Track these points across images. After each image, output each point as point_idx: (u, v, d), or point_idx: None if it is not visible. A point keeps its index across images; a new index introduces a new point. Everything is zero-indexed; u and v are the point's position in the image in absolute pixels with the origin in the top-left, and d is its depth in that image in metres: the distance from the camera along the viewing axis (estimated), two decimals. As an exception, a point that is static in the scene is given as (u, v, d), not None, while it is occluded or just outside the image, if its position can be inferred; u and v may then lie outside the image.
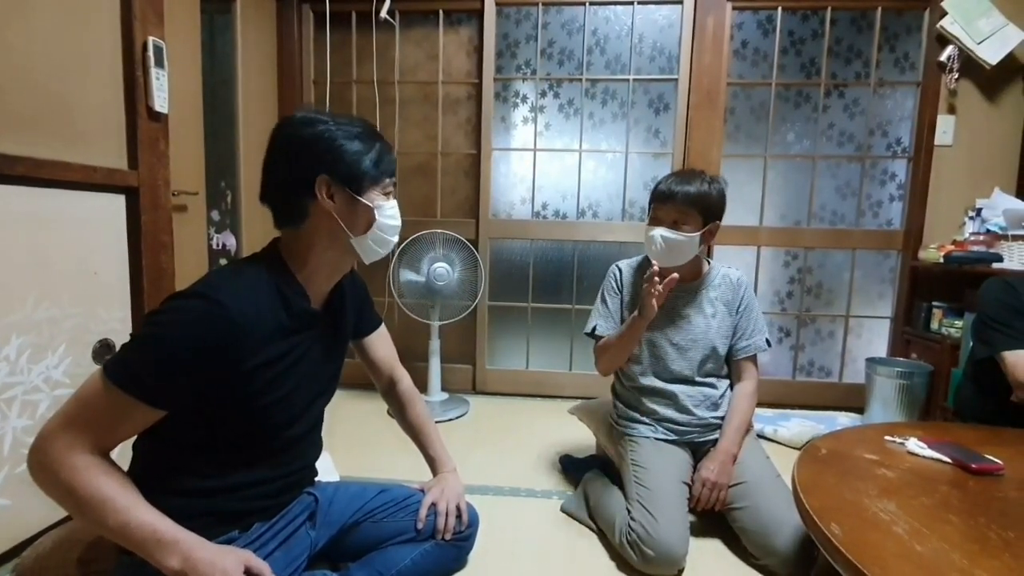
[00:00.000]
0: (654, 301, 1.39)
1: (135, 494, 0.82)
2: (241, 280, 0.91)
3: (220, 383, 0.86)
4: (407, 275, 2.44)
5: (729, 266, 1.62)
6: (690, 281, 1.57)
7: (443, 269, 2.41)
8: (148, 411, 0.83)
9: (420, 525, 1.16)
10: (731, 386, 1.61)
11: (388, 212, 1.00)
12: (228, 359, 0.85)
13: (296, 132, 0.94)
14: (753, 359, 1.58)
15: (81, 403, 0.81)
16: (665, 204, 1.46)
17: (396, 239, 1.04)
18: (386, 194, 1.00)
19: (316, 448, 1.14)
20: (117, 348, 1.48)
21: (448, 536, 1.17)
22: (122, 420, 0.82)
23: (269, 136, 0.97)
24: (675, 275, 1.37)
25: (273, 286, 0.93)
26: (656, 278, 1.37)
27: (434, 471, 1.30)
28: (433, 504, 1.19)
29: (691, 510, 1.44)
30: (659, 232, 1.46)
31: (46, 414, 1.33)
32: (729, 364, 1.61)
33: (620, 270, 1.66)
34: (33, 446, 0.80)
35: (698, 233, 1.46)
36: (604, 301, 1.65)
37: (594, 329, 1.63)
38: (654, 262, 1.53)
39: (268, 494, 1.01)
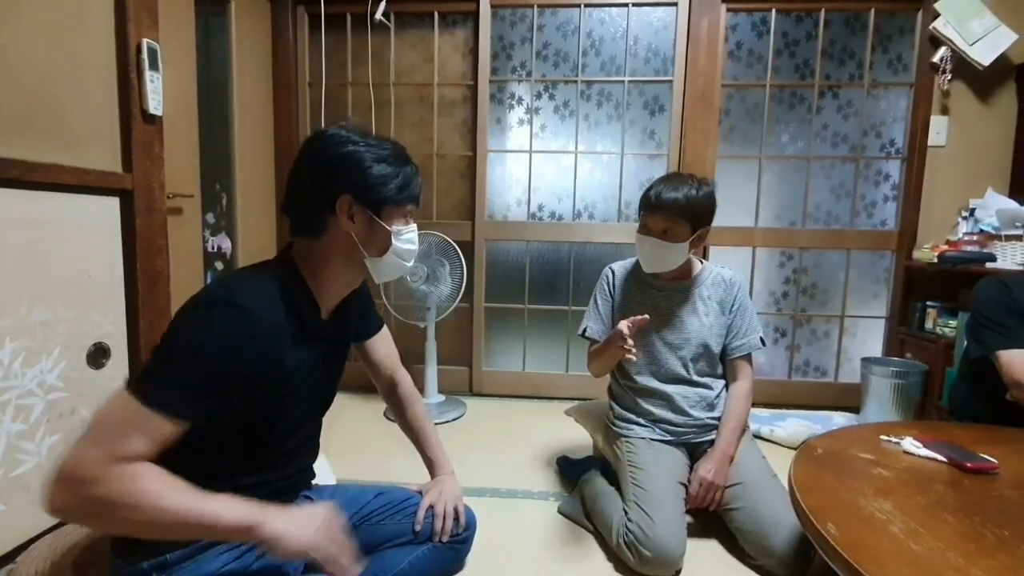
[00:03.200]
0: (626, 351, 1.36)
1: (182, 483, 0.78)
2: (259, 286, 0.90)
3: (251, 390, 0.85)
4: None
5: (723, 266, 1.63)
6: (684, 280, 1.58)
7: (421, 269, 2.39)
8: (180, 426, 0.79)
9: (418, 527, 1.15)
10: (726, 386, 1.61)
11: (405, 237, 1.00)
12: (255, 367, 0.84)
13: (325, 149, 0.94)
14: (748, 358, 1.59)
15: (109, 425, 0.76)
16: (654, 214, 1.46)
17: (410, 264, 1.05)
18: (406, 218, 1.00)
19: (313, 452, 1.14)
20: (111, 351, 1.49)
21: (445, 538, 1.17)
22: (153, 439, 0.77)
23: (300, 148, 0.97)
24: (645, 317, 1.38)
25: (288, 297, 0.92)
26: (626, 333, 1.35)
27: (432, 473, 1.30)
28: (431, 506, 1.19)
29: (687, 510, 1.44)
30: (648, 242, 1.47)
31: (40, 418, 1.32)
32: (724, 363, 1.61)
33: (612, 272, 1.66)
34: (60, 473, 0.73)
35: (687, 241, 1.46)
36: (596, 303, 1.66)
37: (585, 331, 1.65)
38: (645, 270, 1.55)
39: (265, 497, 1.00)
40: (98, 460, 0.73)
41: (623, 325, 1.36)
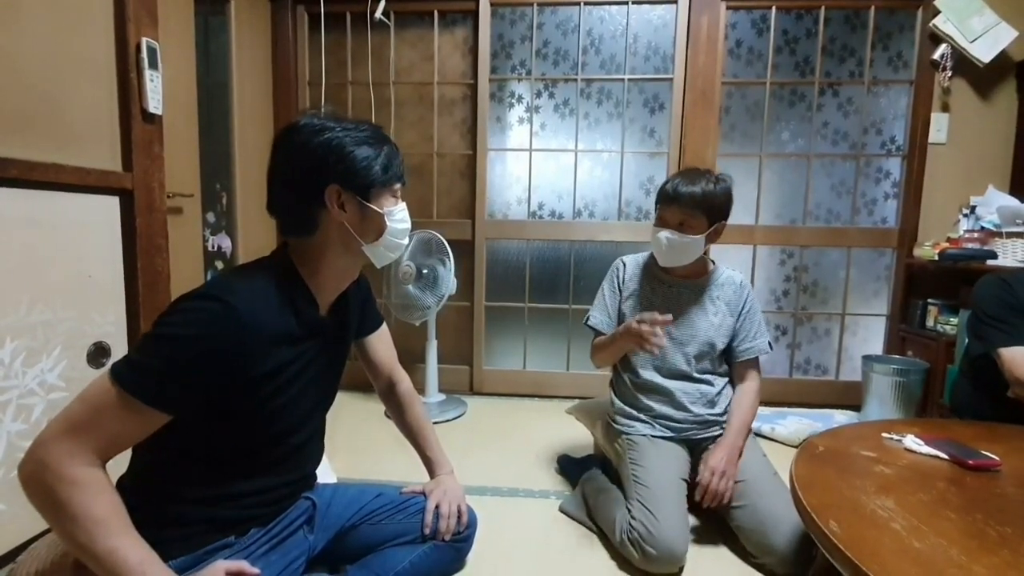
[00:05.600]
0: (650, 347, 1.38)
1: (128, 521, 0.79)
2: (251, 283, 0.89)
3: (227, 387, 0.84)
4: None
5: (732, 268, 1.63)
6: (695, 279, 1.58)
7: (408, 267, 2.37)
8: (155, 416, 0.81)
9: (427, 531, 1.15)
10: (730, 384, 1.61)
11: (398, 216, 1.00)
12: (237, 361, 0.84)
13: (303, 141, 0.91)
14: (756, 362, 1.59)
15: (85, 407, 0.78)
16: (670, 206, 1.47)
17: (406, 241, 1.04)
18: (395, 197, 1.00)
19: (316, 457, 1.14)
20: (112, 351, 1.49)
21: (448, 537, 1.17)
22: (127, 425, 0.80)
23: (273, 143, 0.95)
24: (668, 317, 1.38)
25: (284, 292, 0.92)
26: (652, 325, 1.36)
27: (432, 473, 1.30)
28: (436, 506, 1.19)
29: (695, 505, 1.42)
30: (664, 234, 1.47)
31: (41, 418, 1.32)
32: (732, 366, 1.62)
33: (624, 265, 1.67)
34: (30, 453, 0.77)
35: (703, 235, 1.47)
36: (604, 295, 1.67)
37: (589, 320, 1.66)
38: (661, 263, 1.55)
39: (267, 502, 1.00)
40: (67, 452, 0.76)
41: (643, 326, 1.36)
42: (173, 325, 0.82)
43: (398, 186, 1.00)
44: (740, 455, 1.47)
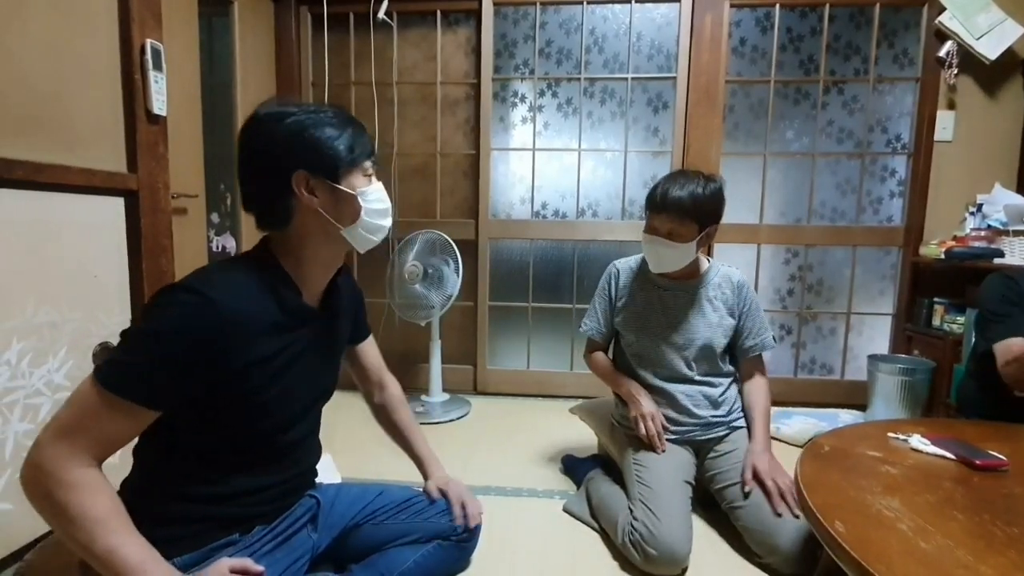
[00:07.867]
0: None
1: (127, 519, 0.79)
2: (231, 275, 0.89)
3: (213, 379, 0.84)
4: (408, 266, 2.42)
5: (729, 265, 1.62)
6: (690, 279, 1.57)
7: (415, 267, 2.37)
8: (142, 413, 0.81)
9: (465, 522, 1.19)
10: (736, 382, 1.61)
11: (372, 196, 0.97)
12: (216, 354, 0.83)
13: (263, 130, 0.90)
14: (761, 358, 1.59)
15: (73, 410, 0.78)
16: (659, 214, 1.45)
17: (388, 222, 1.01)
18: (367, 177, 0.97)
19: (315, 453, 1.14)
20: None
21: (476, 522, 1.20)
22: (117, 424, 0.80)
23: (237, 138, 0.93)
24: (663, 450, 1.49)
25: (265, 282, 0.91)
26: (650, 424, 1.50)
27: (426, 471, 1.31)
28: (463, 503, 1.22)
29: (699, 505, 1.42)
30: (655, 242, 1.47)
31: (47, 418, 1.32)
32: (737, 363, 1.61)
33: (617, 270, 1.66)
34: (27, 457, 0.77)
35: (694, 241, 1.45)
36: (597, 303, 1.68)
37: (582, 327, 1.69)
38: (653, 270, 1.56)
39: (269, 499, 1.00)
40: (61, 455, 0.76)
41: (646, 424, 1.50)
42: (151, 320, 0.82)
43: (368, 165, 0.97)
44: (770, 448, 1.48)
